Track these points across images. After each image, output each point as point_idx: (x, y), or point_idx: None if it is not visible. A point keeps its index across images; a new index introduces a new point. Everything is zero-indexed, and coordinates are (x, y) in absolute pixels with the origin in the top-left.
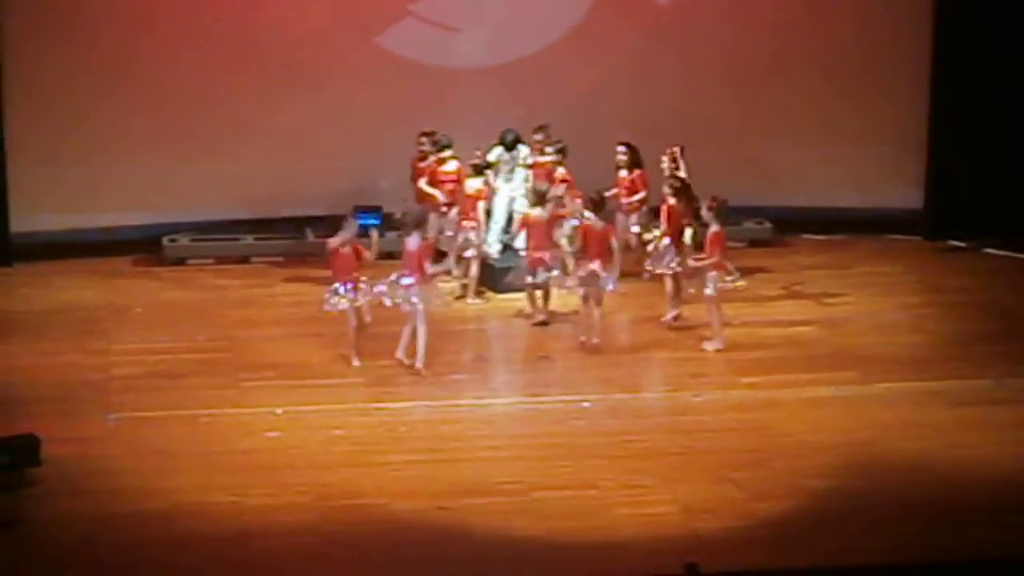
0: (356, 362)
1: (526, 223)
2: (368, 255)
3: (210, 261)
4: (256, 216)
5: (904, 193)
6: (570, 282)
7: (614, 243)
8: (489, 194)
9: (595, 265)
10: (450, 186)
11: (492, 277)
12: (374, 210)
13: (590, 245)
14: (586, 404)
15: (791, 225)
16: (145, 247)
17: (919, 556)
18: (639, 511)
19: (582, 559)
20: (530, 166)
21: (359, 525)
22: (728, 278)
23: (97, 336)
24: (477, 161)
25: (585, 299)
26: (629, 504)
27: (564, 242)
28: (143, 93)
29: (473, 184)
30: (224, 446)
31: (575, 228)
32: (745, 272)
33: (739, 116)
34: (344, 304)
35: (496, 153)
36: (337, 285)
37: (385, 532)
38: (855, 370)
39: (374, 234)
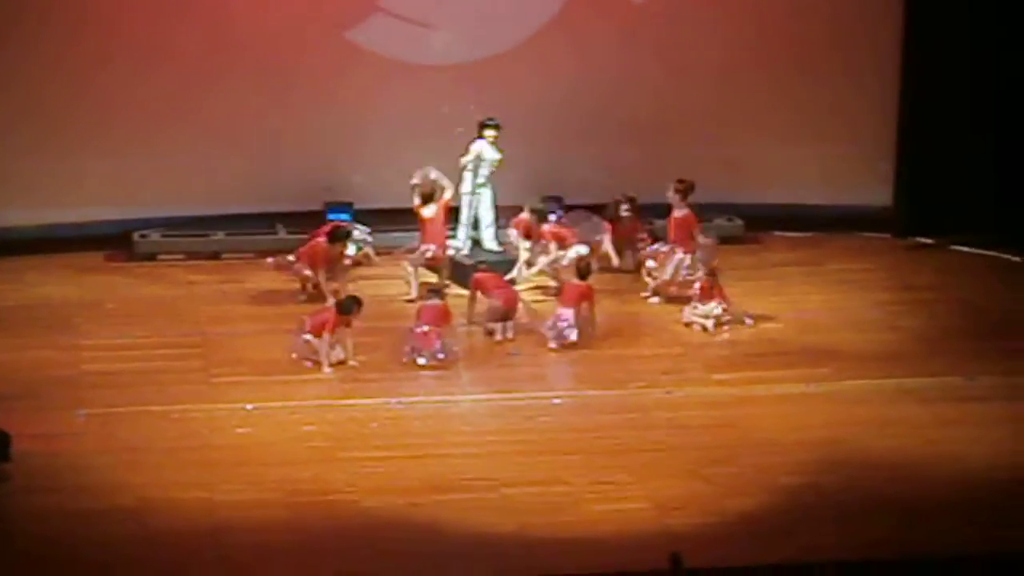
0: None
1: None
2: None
3: (181, 257)
4: (228, 212)
5: (874, 191)
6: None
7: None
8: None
9: (568, 314)
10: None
11: (461, 274)
12: (345, 206)
13: (566, 295)
14: (557, 400)
15: (762, 222)
16: (117, 242)
17: (891, 552)
18: (611, 507)
19: (554, 555)
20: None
21: (330, 521)
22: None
23: (68, 332)
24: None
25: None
26: (601, 500)
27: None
28: (115, 89)
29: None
30: (195, 442)
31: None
32: (720, 271)
33: (711, 114)
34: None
35: (476, 147)
36: None
37: (356, 528)
38: (827, 367)
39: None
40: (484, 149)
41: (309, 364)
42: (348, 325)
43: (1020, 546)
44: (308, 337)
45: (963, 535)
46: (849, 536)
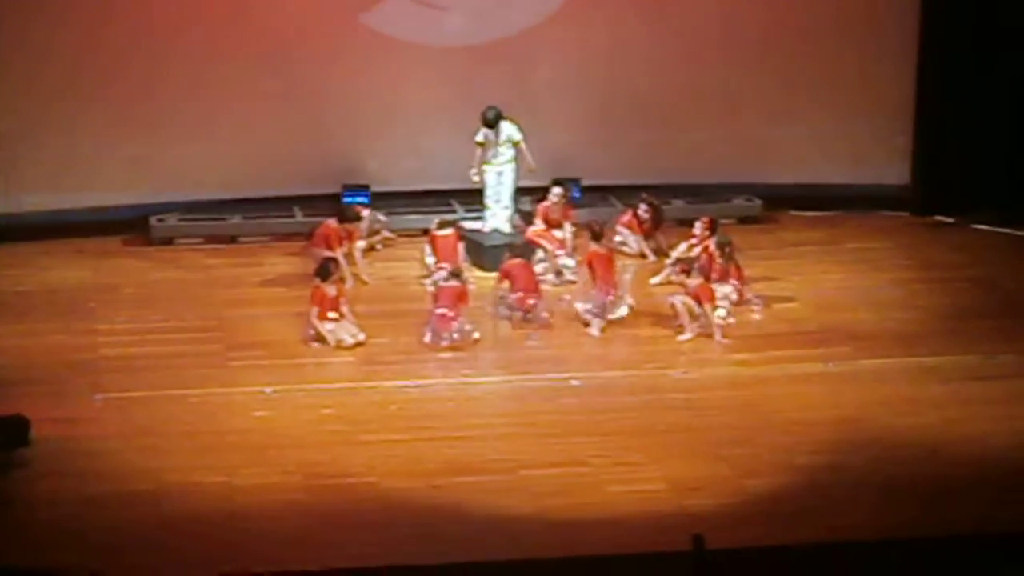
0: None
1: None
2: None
3: (199, 241)
4: (244, 196)
5: (893, 169)
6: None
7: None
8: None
9: (607, 295)
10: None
11: (481, 255)
12: (362, 189)
13: (597, 271)
14: (575, 382)
15: (780, 202)
16: (135, 227)
17: (911, 532)
18: (630, 488)
19: (574, 536)
20: (516, 143)
21: (348, 504)
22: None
23: (85, 316)
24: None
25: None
26: (620, 481)
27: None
28: (134, 76)
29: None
30: (213, 426)
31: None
32: (738, 249)
33: (727, 94)
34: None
35: (482, 134)
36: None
37: (375, 511)
38: (845, 346)
39: (366, 214)
40: (511, 130)
41: (316, 345)
42: (340, 294)
43: None
44: (313, 319)
45: (984, 514)
46: (869, 516)
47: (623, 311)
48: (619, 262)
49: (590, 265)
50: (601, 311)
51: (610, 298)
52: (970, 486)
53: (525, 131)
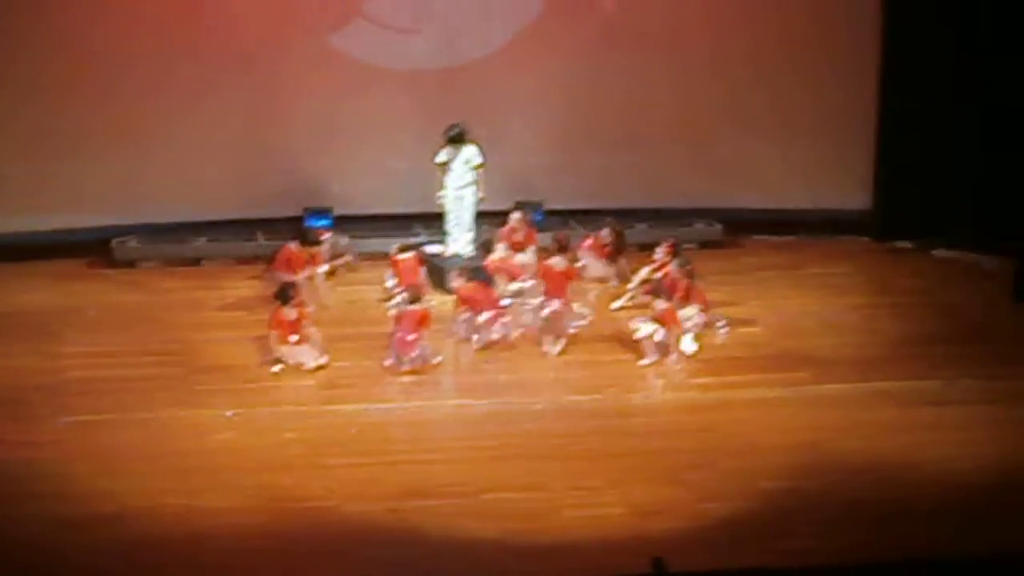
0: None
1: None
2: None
3: (161, 263)
4: (207, 219)
5: (854, 195)
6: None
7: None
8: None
9: (556, 304)
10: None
11: (443, 279)
12: (324, 212)
13: (550, 284)
14: (537, 406)
15: (742, 226)
16: (99, 250)
17: (869, 556)
18: (590, 512)
19: (533, 560)
20: (477, 166)
21: (309, 527)
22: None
23: (49, 339)
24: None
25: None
26: (579, 506)
27: None
28: (95, 98)
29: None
30: (175, 448)
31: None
32: (696, 274)
33: (690, 119)
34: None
35: (444, 153)
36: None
37: (335, 534)
38: (805, 371)
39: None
40: (471, 152)
41: (277, 368)
42: (303, 316)
43: (998, 548)
44: (272, 343)
45: (941, 538)
46: (828, 540)
47: (578, 323)
48: (581, 284)
49: (543, 278)
50: (540, 324)
51: (553, 309)
52: (927, 511)
53: (487, 155)
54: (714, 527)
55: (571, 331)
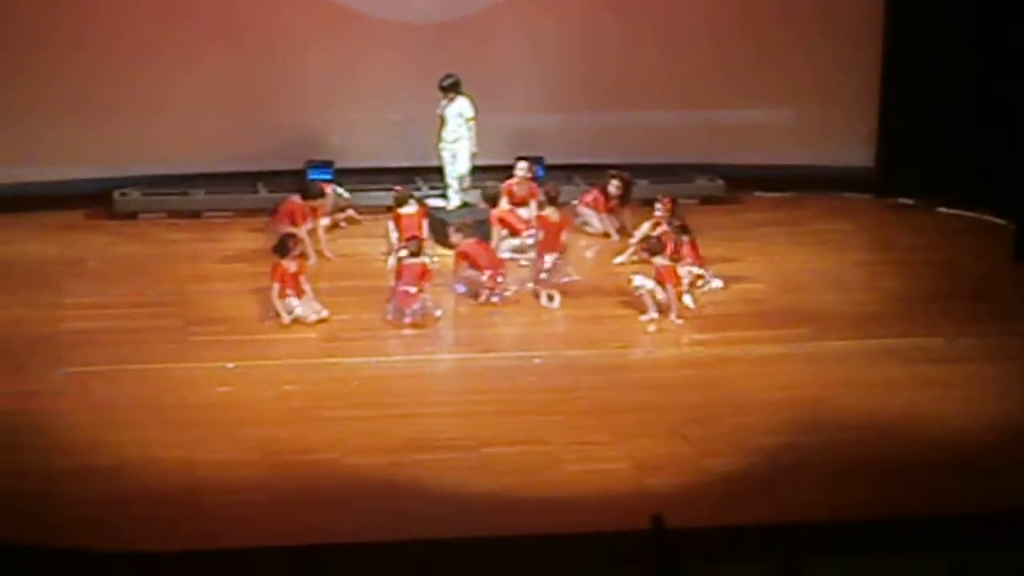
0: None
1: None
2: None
3: (162, 215)
4: (209, 171)
5: (856, 151)
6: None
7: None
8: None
9: (553, 257)
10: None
11: (441, 231)
12: (326, 165)
13: (548, 236)
14: (538, 360)
15: (743, 183)
16: (98, 201)
17: (870, 512)
18: (591, 467)
19: (534, 514)
20: (469, 119)
21: (310, 480)
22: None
23: (47, 290)
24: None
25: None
26: (581, 460)
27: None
28: (96, 51)
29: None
30: (175, 401)
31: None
32: (697, 229)
33: (691, 75)
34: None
35: (442, 106)
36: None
37: (336, 487)
38: (807, 327)
39: (330, 191)
40: (463, 105)
41: (277, 321)
42: (302, 270)
43: (999, 505)
44: (273, 296)
45: (942, 495)
46: (828, 496)
47: (569, 276)
48: (576, 237)
49: (541, 229)
50: (541, 277)
51: (547, 263)
52: (928, 467)
53: (482, 108)
54: (715, 483)
55: (564, 281)
